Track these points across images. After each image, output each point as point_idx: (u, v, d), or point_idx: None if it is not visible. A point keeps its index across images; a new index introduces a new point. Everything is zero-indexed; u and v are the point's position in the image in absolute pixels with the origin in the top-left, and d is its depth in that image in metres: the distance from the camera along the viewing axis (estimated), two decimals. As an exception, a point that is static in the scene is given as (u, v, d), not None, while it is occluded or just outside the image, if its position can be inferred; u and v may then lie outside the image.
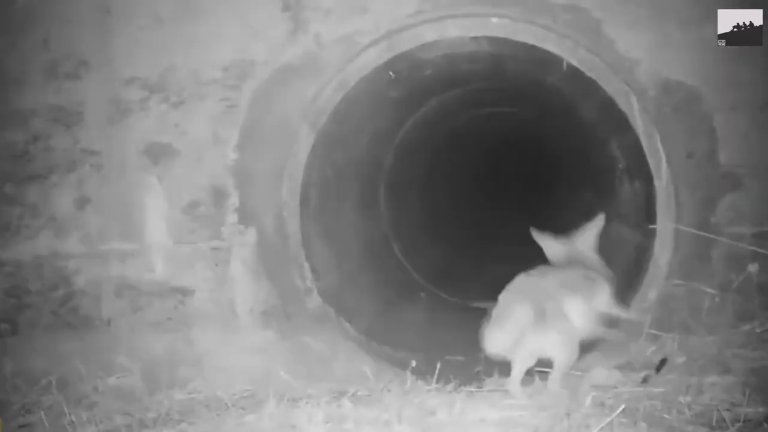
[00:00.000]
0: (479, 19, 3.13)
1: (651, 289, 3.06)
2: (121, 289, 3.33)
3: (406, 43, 3.18)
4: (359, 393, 2.80)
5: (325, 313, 3.32)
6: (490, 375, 2.98)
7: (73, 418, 2.77)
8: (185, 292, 3.31)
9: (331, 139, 3.51)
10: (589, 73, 3.07)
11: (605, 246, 4.28)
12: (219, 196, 3.29)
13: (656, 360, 2.88)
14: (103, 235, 3.34)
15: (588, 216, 4.65)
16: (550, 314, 2.69)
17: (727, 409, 2.35)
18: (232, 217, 3.29)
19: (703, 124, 3.00)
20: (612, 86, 3.05)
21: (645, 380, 2.74)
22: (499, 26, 3.10)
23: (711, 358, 2.79)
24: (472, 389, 2.77)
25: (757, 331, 2.85)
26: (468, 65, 3.70)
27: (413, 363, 3.19)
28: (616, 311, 2.95)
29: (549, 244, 3.06)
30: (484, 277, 3.94)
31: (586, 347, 3.10)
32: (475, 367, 3.18)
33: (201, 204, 3.29)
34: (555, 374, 2.77)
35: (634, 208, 3.63)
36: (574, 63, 3.07)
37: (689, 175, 3.02)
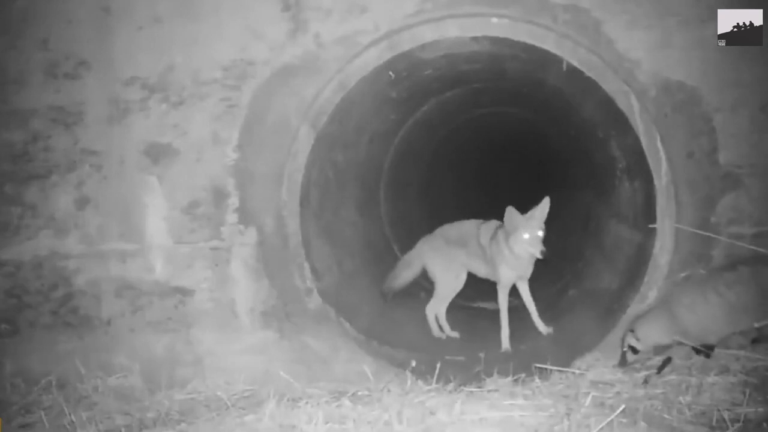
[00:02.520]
0: (479, 19, 3.13)
1: (651, 289, 3.06)
2: (121, 289, 3.33)
3: (406, 43, 3.18)
4: (359, 393, 2.80)
5: (325, 313, 3.32)
6: (490, 375, 2.99)
7: (73, 418, 2.78)
8: (185, 292, 3.31)
9: (331, 139, 3.51)
10: (588, 73, 3.07)
11: (606, 245, 4.29)
12: (219, 196, 3.29)
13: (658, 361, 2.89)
14: (103, 235, 3.34)
15: (588, 215, 4.66)
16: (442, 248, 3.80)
17: (727, 409, 2.36)
18: (232, 217, 3.29)
19: (703, 124, 3.00)
20: (612, 86, 3.05)
21: (646, 381, 2.74)
22: (499, 26, 3.10)
23: (711, 358, 2.79)
24: (472, 389, 2.77)
25: (756, 326, 2.85)
26: (468, 65, 3.70)
27: (413, 363, 3.20)
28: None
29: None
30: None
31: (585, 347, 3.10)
32: (475, 367, 3.18)
33: (201, 204, 3.29)
34: (433, 297, 3.82)
35: (633, 208, 3.63)
36: (574, 63, 3.07)
37: (689, 175, 3.02)
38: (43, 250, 3.36)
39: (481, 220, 3.79)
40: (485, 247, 3.66)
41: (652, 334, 2.86)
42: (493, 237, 3.61)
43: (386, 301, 3.91)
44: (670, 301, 2.90)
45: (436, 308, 3.83)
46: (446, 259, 3.80)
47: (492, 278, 3.72)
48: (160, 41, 3.25)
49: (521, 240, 3.40)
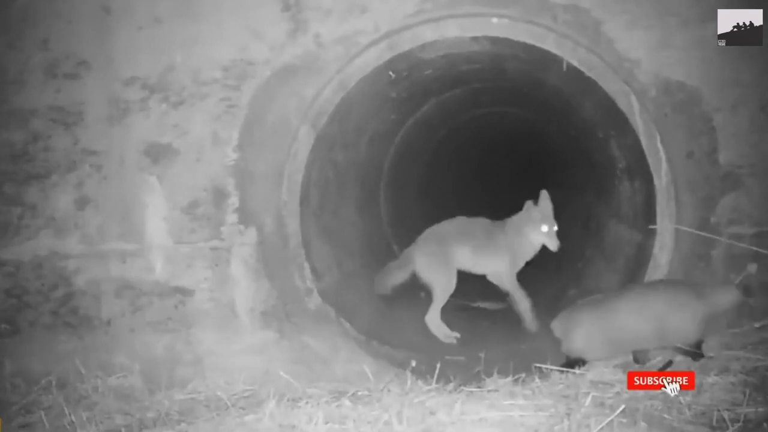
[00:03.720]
0: (479, 19, 3.13)
1: (651, 289, 3.06)
2: (121, 289, 3.33)
3: (406, 43, 3.18)
4: (359, 393, 2.80)
5: (325, 313, 3.32)
6: (490, 375, 2.99)
7: (73, 418, 2.77)
8: (185, 292, 3.31)
9: (331, 139, 3.51)
10: (589, 73, 3.07)
11: (606, 245, 4.29)
12: (219, 196, 3.29)
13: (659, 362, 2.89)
14: (103, 235, 3.34)
15: (588, 215, 4.66)
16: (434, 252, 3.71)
17: (727, 409, 2.35)
18: (232, 217, 3.29)
19: (704, 124, 3.00)
20: (612, 86, 3.05)
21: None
22: (499, 26, 3.11)
23: (711, 359, 2.79)
24: (472, 389, 2.77)
25: (756, 326, 2.85)
26: (468, 65, 3.71)
27: (413, 363, 3.20)
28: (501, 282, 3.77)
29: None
30: (484, 276, 3.95)
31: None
32: (475, 367, 3.18)
33: (201, 204, 3.29)
34: (432, 304, 3.72)
35: (633, 208, 3.63)
36: (574, 63, 3.07)
37: (689, 175, 3.02)
38: (43, 250, 3.36)
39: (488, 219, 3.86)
40: (508, 241, 3.72)
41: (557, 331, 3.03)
42: (509, 230, 3.72)
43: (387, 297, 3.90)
44: (564, 315, 3.02)
45: (437, 314, 3.82)
46: (440, 262, 3.77)
47: (487, 271, 3.79)
48: (160, 41, 3.25)
49: (540, 232, 3.58)
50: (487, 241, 3.75)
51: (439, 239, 3.81)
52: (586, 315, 2.93)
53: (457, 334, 3.80)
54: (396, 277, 3.86)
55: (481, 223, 3.84)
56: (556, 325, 3.02)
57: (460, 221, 3.86)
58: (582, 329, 2.91)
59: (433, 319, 3.78)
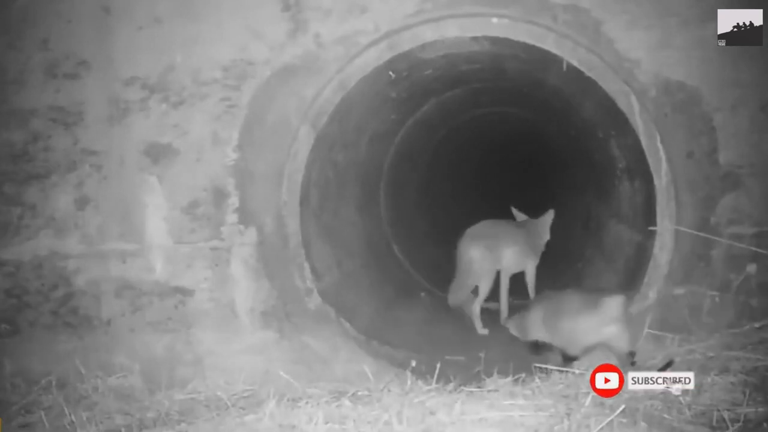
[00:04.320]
0: (479, 19, 3.13)
1: (651, 289, 3.06)
2: (121, 289, 3.33)
3: (406, 43, 3.18)
4: (359, 393, 2.80)
5: (325, 313, 3.32)
6: (490, 375, 2.99)
7: (73, 418, 2.78)
8: (185, 292, 3.31)
9: (331, 139, 3.51)
10: (589, 73, 3.07)
11: (606, 245, 4.29)
12: (219, 196, 3.29)
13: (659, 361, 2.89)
14: (103, 235, 3.34)
15: (588, 215, 4.66)
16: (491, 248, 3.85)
17: (727, 409, 2.36)
18: (232, 217, 3.29)
19: (703, 124, 3.00)
20: (612, 86, 3.05)
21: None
22: (499, 26, 3.10)
23: (711, 358, 2.79)
24: (472, 389, 2.77)
25: (756, 326, 2.85)
26: (468, 65, 3.71)
27: (413, 363, 3.20)
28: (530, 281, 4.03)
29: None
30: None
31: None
32: (475, 367, 3.18)
33: (201, 204, 3.29)
34: (478, 297, 3.88)
35: (633, 208, 3.63)
36: (574, 63, 3.07)
37: (689, 175, 3.02)
38: (43, 250, 3.35)
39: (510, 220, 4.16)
40: (531, 240, 4.03)
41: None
42: (532, 230, 4.08)
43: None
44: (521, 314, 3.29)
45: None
46: (491, 259, 3.89)
47: (522, 269, 4.03)
48: (160, 41, 3.25)
49: (546, 238, 4.05)
50: (525, 242, 4.00)
51: (488, 240, 3.88)
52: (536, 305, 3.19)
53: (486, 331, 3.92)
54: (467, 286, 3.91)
55: (513, 224, 4.10)
56: (510, 324, 3.28)
57: (493, 223, 4.02)
58: (533, 314, 3.15)
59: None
